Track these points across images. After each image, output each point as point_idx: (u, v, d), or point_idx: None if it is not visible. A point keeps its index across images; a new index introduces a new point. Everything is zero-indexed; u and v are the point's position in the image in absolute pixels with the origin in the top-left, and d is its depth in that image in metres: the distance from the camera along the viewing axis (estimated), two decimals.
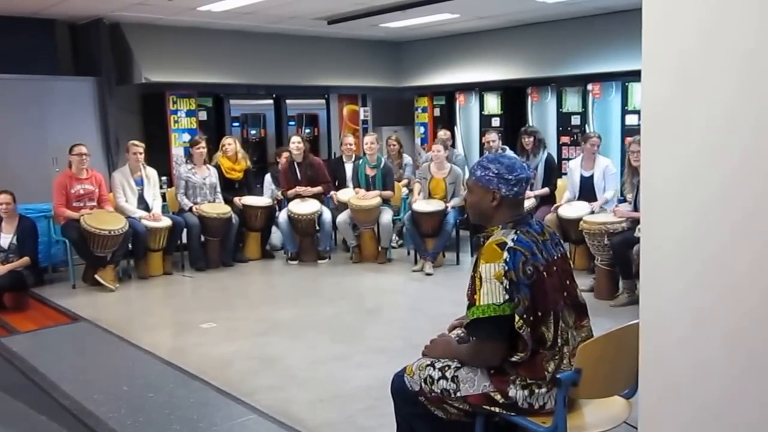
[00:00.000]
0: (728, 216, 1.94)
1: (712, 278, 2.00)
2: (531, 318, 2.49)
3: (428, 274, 7.23)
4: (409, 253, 8.05)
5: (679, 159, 2.03)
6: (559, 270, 2.65)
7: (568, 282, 2.69)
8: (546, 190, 7.46)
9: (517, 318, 2.47)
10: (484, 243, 2.62)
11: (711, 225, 1.98)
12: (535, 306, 2.50)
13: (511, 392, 2.56)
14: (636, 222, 5.69)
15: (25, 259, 6.56)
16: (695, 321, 2.05)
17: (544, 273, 2.55)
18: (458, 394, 2.64)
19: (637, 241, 5.46)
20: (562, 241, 2.81)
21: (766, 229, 1.87)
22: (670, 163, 2.05)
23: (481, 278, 2.51)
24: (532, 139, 7.51)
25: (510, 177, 2.66)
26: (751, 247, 1.90)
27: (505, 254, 2.50)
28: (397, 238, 8.54)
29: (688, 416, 2.11)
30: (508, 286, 2.46)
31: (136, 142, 7.54)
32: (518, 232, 2.59)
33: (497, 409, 2.60)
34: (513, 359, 2.56)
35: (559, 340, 2.56)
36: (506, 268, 2.48)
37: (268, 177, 8.59)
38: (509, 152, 8.05)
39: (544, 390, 2.55)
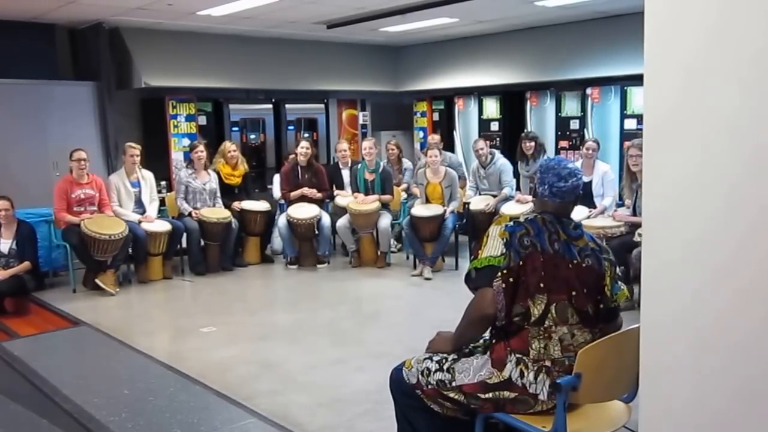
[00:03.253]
0: (732, 224, 1.94)
1: (714, 286, 1.99)
2: (511, 279, 2.60)
3: (427, 279, 7.24)
4: (408, 258, 8.06)
5: (683, 166, 2.02)
6: (575, 273, 2.67)
7: (583, 289, 2.67)
8: None
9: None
10: None
11: (714, 233, 1.97)
12: (524, 276, 2.61)
13: (508, 367, 2.62)
14: (635, 226, 5.71)
15: (26, 264, 6.57)
16: (696, 328, 2.05)
17: (542, 258, 2.64)
18: (453, 384, 2.70)
19: (636, 245, 5.47)
20: (603, 261, 2.78)
21: None
22: (673, 171, 2.05)
23: (488, 236, 2.74)
24: (533, 144, 7.52)
25: (540, 176, 2.86)
26: (756, 254, 1.90)
27: (510, 222, 2.74)
28: (395, 242, 8.56)
29: (687, 421, 2.11)
30: (506, 242, 2.65)
31: (133, 145, 7.56)
32: (537, 216, 2.75)
33: (491, 395, 2.64)
34: (498, 324, 2.67)
35: (547, 322, 2.61)
36: (505, 229, 2.70)
37: (276, 177, 8.59)
38: (498, 156, 8.07)
39: (532, 376, 2.59)
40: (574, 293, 2.66)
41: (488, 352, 2.72)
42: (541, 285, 2.61)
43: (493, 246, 2.67)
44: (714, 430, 2.05)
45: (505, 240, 2.66)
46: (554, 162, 2.85)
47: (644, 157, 2.14)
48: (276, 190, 8.49)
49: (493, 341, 2.71)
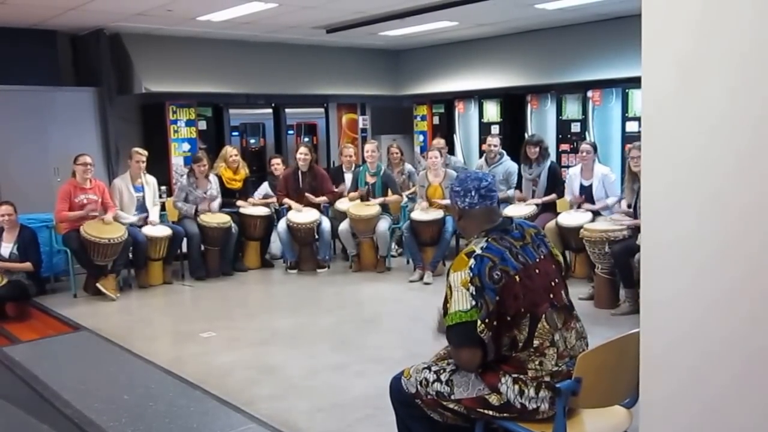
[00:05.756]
0: (726, 220, 1.94)
1: (712, 285, 1.99)
2: (495, 322, 2.53)
3: (427, 284, 7.23)
4: (408, 262, 8.04)
5: (679, 163, 2.03)
6: (541, 272, 2.68)
7: (553, 283, 2.70)
8: (554, 196, 7.42)
9: (479, 322, 2.51)
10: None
11: (710, 230, 1.98)
12: (503, 310, 2.54)
13: (503, 388, 2.58)
14: (637, 230, 5.69)
15: (27, 264, 6.57)
16: (695, 329, 2.05)
17: (517, 277, 2.57)
18: (452, 397, 2.67)
19: (639, 248, 5.46)
20: (546, 241, 2.84)
21: (764, 233, 1.87)
22: (669, 168, 2.06)
23: (450, 287, 2.59)
24: (538, 148, 7.51)
25: (459, 189, 2.79)
26: (750, 251, 1.90)
27: (471, 261, 2.57)
28: (396, 247, 8.55)
29: (688, 426, 2.10)
30: (474, 293, 2.52)
31: (140, 150, 7.57)
32: (489, 240, 2.65)
33: (491, 412, 2.61)
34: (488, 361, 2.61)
35: (535, 342, 2.58)
36: (471, 274, 2.54)
37: (265, 185, 8.61)
38: (506, 157, 8.07)
39: (533, 392, 2.56)
40: (551, 295, 2.66)
41: (479, 372, 2.66)
42: (522, 310, 2.56)
43: (460, 299, 2.53)
44: (713, 428, 2.04)
45: (471, 289, 2.51)
46: (462, 175, 2.88)
47: (642, 156, 2.14)
48: (260, 194, 8.50)
49: (480, 371, 2.64)
